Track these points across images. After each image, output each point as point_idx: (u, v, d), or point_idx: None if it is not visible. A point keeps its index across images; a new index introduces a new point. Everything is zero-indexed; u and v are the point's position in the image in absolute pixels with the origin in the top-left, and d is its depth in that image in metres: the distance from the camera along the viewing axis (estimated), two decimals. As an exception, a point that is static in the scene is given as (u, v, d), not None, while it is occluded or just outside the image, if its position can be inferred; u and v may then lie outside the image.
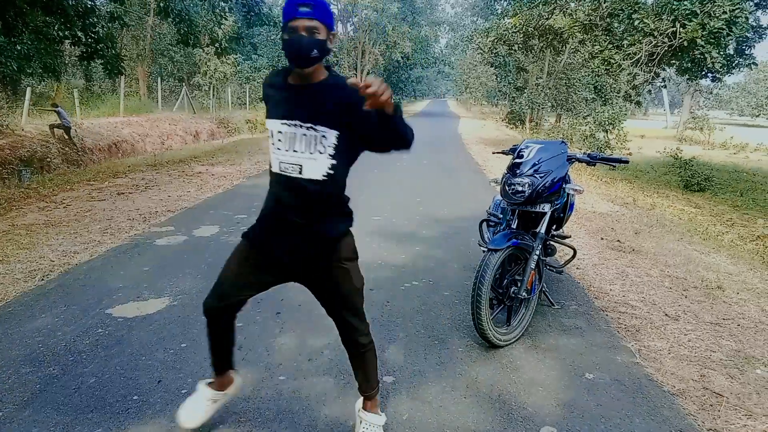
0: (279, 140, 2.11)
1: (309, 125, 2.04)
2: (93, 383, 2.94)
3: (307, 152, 2.07)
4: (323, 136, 2.05)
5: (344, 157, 2.11)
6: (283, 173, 2.12)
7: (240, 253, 2.34)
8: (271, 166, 2.18)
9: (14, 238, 5.73)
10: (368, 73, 44.65)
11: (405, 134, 1.97)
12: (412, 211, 7.49)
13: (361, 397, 2.56)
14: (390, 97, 1.80)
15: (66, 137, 12.69)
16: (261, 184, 9.56)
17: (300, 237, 2.18)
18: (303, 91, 2.08)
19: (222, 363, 2.53)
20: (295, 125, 2.07)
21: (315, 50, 1.96)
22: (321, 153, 2.06)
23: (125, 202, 7.80)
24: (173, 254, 5.34)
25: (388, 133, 1.94)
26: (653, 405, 2.90)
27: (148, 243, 5.71)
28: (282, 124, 2.09)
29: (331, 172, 2.09)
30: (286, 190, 2.14)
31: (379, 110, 1.83)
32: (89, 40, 12.53)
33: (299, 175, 2.08)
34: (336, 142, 2.06)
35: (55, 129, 12.42)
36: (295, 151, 2.08)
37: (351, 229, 2.28)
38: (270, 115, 2.16)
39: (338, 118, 2.03)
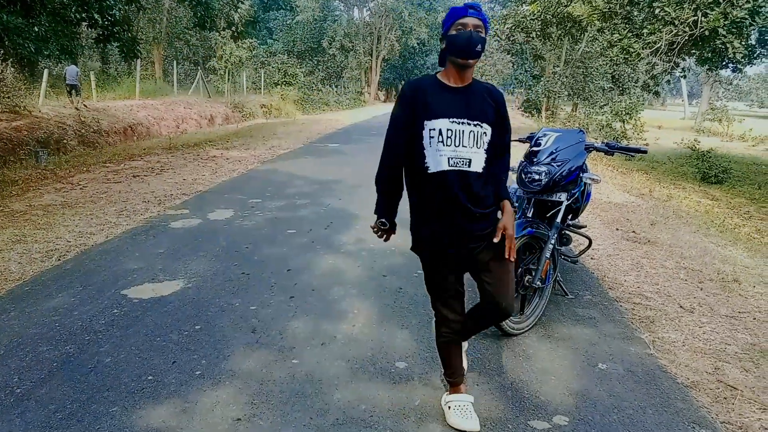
0: (448, 137, 2.26)
1: (476, 122, 2.29)
2: (109, 362, 2.98)
3: (474, 147, 2.29)
4: (484, 133, 2.30)
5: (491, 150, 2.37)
6: (452, 168, 2.27)
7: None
8: (427, 167, 2.31)
9: (32, 219, 5.80)
10: (384, 59, 44.42)
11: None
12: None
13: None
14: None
15: (70, 99, 13.23)
16: (276, 169, 9.58)
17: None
18: (463, 91, 2.32)
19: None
20: (462, 123, 2.27)
21: (480, 45, 2.23)
22: (480, 148, 2.31)
23: (140, 185, 7.85)
24: (188, 237, 5.38)
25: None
26: (666, 397, 2.88)
27: (163, 225, 5.76)
28: (451, 122, 2.26)
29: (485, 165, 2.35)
30: (455, 183, 2.29)
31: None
32: (106, 22, 12.56)
33: (468, 169, 2.29)
34: (491, 138, 2.33)
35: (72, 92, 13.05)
36: (464, 146, 2.27)
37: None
38: (432, 115, 2.28)
39: (492, 117, 2.34)
